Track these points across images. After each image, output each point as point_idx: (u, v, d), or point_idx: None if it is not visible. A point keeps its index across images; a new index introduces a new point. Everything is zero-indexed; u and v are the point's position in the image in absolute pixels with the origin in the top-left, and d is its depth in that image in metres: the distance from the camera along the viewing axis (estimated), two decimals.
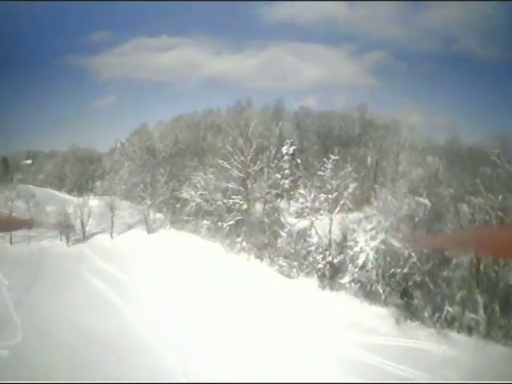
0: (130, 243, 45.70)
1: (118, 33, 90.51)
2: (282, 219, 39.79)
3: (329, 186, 31.34)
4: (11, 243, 43.27)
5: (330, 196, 31.27)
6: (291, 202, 41.10)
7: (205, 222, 45.53)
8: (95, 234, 50.64)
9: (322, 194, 31.80)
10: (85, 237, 49.75)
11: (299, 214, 37.73)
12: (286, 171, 40.18)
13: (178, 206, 50.04)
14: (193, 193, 46.26)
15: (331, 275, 30.93)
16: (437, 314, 23.87)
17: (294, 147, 41.00)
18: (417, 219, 26.21)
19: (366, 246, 26.59)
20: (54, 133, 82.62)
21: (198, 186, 46.23)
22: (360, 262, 26.68)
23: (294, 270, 34.49)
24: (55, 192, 62.56)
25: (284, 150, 39.71)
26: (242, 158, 40.18)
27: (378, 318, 25.90)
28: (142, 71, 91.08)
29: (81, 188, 65.95)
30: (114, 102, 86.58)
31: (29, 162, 65.13)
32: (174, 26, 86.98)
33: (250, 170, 40.13)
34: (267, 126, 43.33)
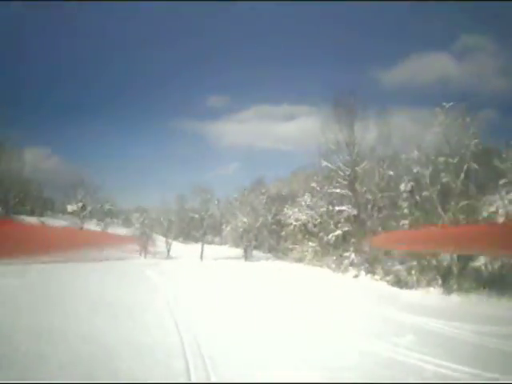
0: (220, 264, 43.92)
1: (238, 99, 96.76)
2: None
3: None
4: None
5: None
6: None
7: (310, 244, 42.14)
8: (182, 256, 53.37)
9: None
10: (169, 256, 53.14)
11: None
12: (405, 210, 35.29)
13: (283, 234, 48.04)
14: (296, 210, 43.64)
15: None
16: None
17: (412, 183, 36.39)
18: None
19: None
20: (167, 192, 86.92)
21: (303, 203, 43.67)
22: None
23: (413, 272, 29.02)
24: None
25: (402, 187, 35.25)
26: (348, 157, 36.70)
27: None
28: (264, 140, 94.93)
29: (187, 237, 67.39)
30: (235, 170, 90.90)
31: (137, 214, 68.60)
32: (293, 94, 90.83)
33: (357, 169, 36.23)
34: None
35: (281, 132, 76.61)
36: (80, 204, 53.98)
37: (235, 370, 6.15)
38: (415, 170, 29.09)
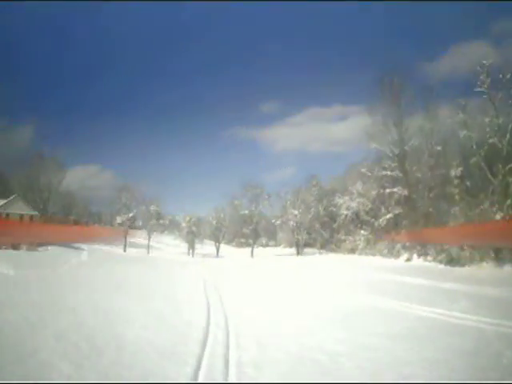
0: (271, 259, 44.60)
1: (289, 104, 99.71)
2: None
3: None
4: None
5: None
6: None
7: (362, 232, 42.33)
8: (232, 256, 54.47)
9: None
10: (218, 255, 54.06)
11: None
12: (456, 197, 34.89)
13: (335, 226, 48.44)
14: (347, 198, 44.09)
15: None
16: None
17: (461, 168, 35.90)
18: None
19: None
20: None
21: (354, 191, 44.02)
22: None
23: (465, 247, 28.89)
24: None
25: (452, 172, 34.96)
26: (396, 136, 36.79)
27: None
28: (317, 142, 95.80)
29: (240, 240, 68.77)
30: (290, 174, 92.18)
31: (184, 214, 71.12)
32: (345, 94, 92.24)
33: (406, 148, 36.27)
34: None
35: (333, 133, 77.17)
36: (130, 214, 56.65)
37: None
38: (462, 135, 29.01)
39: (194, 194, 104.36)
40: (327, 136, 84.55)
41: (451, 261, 30.18)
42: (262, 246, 68.79)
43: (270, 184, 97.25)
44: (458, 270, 28.11)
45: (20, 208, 46.73)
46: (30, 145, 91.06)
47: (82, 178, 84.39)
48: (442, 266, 30.48)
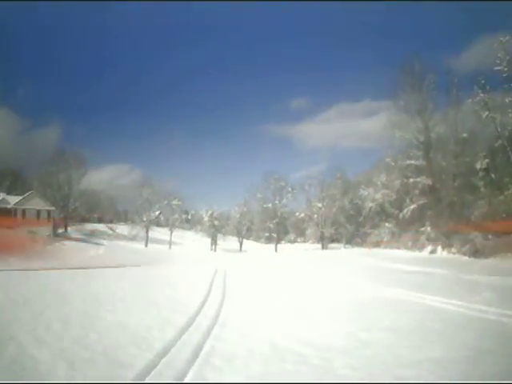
0: (288, 254, 44.62)
1: (319, 100, 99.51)
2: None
3: None
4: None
5: None
6: None
7: (387, 225, 42.05)
8: (255, 251, 54.79)
9: None
10: (241, 250, 54.44)
11: None
12: (482, 189, 34.26)
13: (361, 219, 48.30)
14: (371, 190, 43.86)
15: None
16: None
17: (487, 160, 35.20)
18: None
19: None
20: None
21: (379, 183, 43.74)
22: None
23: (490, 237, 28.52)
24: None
25: (477, 165, 34.33)
26: (421, 124, 36.24)
27: None
28: (347, 138, 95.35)
29: (268, 238, 69.06)
30: (321, 171, 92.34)
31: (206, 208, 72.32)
32: (374, 88, 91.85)
33: (432, 135, 35.71)
34: None
35: (363, 128, 76.77)
36: (156, 213, 57.80)
37: None
38: (483, 115, 28.60)
39: (222, 190, 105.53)
40: (357, 132, 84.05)
41: (476, 252, 29.74)
42: (290, 242, 69.52)
43: (298, 179, 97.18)
44: (482, 261, 27.58)
45: (36, 203, 48.81)
46: (55, 146, 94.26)
47: (111, 177, 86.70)
48: (466, 258, 30.04)
